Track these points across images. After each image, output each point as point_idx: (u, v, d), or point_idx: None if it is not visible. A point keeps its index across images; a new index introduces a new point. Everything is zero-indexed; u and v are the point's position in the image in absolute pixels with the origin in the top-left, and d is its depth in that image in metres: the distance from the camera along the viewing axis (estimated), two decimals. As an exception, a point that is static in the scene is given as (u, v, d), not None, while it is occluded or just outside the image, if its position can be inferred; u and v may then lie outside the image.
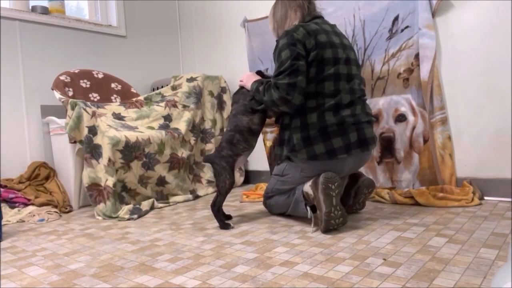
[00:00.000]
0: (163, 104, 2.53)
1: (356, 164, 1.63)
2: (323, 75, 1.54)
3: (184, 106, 2.60)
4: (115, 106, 2.40)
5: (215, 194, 1.70)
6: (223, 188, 1.66)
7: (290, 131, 1.59)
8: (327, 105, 1.53)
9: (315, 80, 1.54)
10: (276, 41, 1.63)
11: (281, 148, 1.65)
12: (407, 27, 2.06)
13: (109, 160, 2.05)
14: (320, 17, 1.70)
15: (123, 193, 2.15)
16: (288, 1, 1.71)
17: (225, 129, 2.81)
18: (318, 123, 1.52)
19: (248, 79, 1.75)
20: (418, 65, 2.02)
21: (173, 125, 2.50)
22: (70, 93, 2.42)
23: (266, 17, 2.65)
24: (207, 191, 2.54)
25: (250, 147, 1.74)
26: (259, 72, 1.85)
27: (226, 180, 1.66)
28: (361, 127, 1.56)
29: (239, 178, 2.78)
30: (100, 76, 2.63)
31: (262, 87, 1.63)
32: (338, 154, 1.52)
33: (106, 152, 2.06)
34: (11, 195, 2.16)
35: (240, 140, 1.70)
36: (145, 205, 2.11)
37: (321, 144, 1.52)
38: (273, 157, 1.78)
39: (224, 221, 1.66)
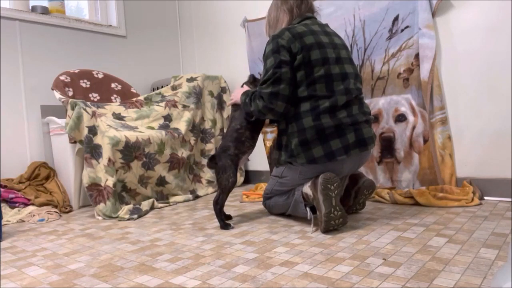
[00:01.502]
0: (163, 104, 2.53)
1: (355, 164, 1.62)
2: (313, 77, 1.53)
3: (184, 106, 2.60)
4: (115, 106, 2.40)
5: (216, 193, 1.70)
6: (226, 187, 1.66)
7: (287, 136, 1.58)
8: (321, 107, 1.51)
9: (305, 83, 1.53)
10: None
11: (279, 152, 1.65)
12: (407, 27, 2.06)
13: (109, 160, 2.05)
14: (311, 17, 1.69)
15: (123, 193, 2.15)
16: (280, 4, 1.72)
17: (225, 129, 2.82)
18: (315, 127, 1.51)
19: (237, 94, 1.78)
20: (418, 65, 2.02)
21: (173, 125, 2.50)
22: (70, 93, 2.42)
23: (266, 17, 2.66)
24: (207, 191, 2.54)
25: (254, 145, 1.75)
26: (252, 76, 1.86)
27: (229, 178, 1.66)
28: (359, 127, 1.55)
29: (239, 178, 2.78)
30: (100, 76, 2.63)
31: (248, 98, 1.66)
32: (337, 156, 1.51)
33: (106, 152, 2.06)
34: (11, 195, 2.16)
35: (248, 137, 1.71)
36: (145, 205, 2.11)
37: (319, 147, 1.51)
38: (273, 158, 1.78)
39: (224, 221, 1.66)
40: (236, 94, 1.81)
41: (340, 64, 1.58)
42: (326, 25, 1.70)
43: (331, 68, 1.55)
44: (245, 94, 1.71)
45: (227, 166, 1.67)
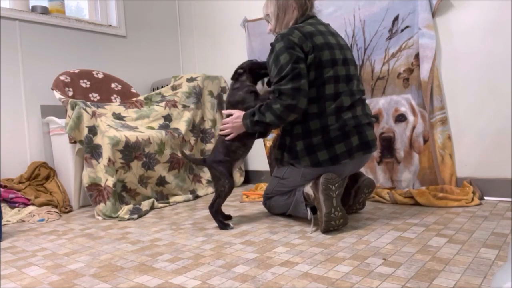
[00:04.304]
0: (163, 104, 2.53)
1: (357, 166, 1.62)
2: (323, 79, 1.51)
3: (184, 106, 2.60)
4: (115, 106, 2.40)
5: (214, 195, 1.70)
6: (222, 192, 1.66)
7: (292, 137, 1.57)
8: (328, 109, 1.51)
9: (315, 84, 1.51)
10: (271, 44, 1.57)
11: (281, 153, 1.64)
12: (407, 27, 2.06)
13: (109, 160, 2.05)
14: (314, 16, 1.66)
15: (123, 193, 2.14)
16: None
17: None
18: (321, 130, 1.50)
19: (236, 122, 1.62)
20: (418, 65, 2.02)
21: (173, 125, 2.50)
22: (70, 93, 2.42)
23: (266, 17, 2.65)
24: (207, 191, 2.54)
25: (248, 149, 1.72)
26: (254, 62, 1.75)
27: (225, 184, 1.65)
28: (363, 130, 1.54)
29: (239, 178, 2.78)
30: (100, 76, 2.63)
31: (257, 115, 1.54)
32: (341, 160, 1.51)
33: (106, 152, 2.06)
34: (11, 195, 2.16)
35: (239, 146, 1.68)
36: (145, 205, 2.11)
37: (324, 151, 1.51)
38: (273, 157, 1.77)
39: (223, 221, 1.66)
40: (232, 124, 1.63)
41: (346, 66, 1.57)
42: (328, 25, 1.68)
43: (339, 70, 1.53)
44: (248, 115, 1.58)
45: (220, 173, 1.66)
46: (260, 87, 1.93)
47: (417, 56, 2.02)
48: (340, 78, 1.54)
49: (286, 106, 1.48)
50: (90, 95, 2.52)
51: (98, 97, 2.55)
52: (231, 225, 1.65)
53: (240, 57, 2.91)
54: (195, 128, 2.62)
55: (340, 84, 1.53)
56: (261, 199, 2.13)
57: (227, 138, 1.66)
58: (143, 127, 2.36)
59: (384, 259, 1.16)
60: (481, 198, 1.89)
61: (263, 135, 1.68)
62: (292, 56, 1.48)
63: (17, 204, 2.15)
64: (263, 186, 2.53)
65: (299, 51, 1.49)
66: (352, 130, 1.52)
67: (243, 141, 1.68)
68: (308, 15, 1.65)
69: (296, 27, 1.55)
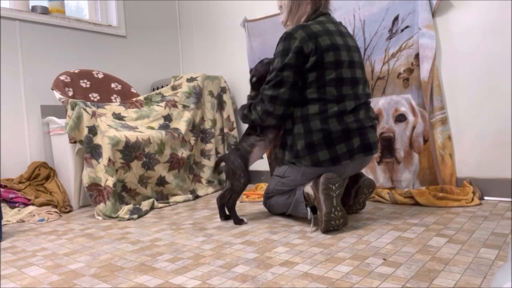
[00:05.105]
0: (163, 104, 2.53)
1: (357, 167, 1.62)
2: (324, 80, 1.51)
3: (184, 106, 2.60)
4: (115, 106, 2.40)
5: (215, 193, 1.71)
6: (237, 187, 1.67)
7: (293, 136, 1.57)
8: (330, 111, 1.50)
9: (315, 85, 1.51)
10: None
11: (282, 152, 1.64)
12: (407, 27, 2.06)
13: (109, 160, 2.05)
14: (326, 14, 1.64)
15: (123, 193, 2.14)
16: None
17: (225, 129, 2.82)
18: (322, 130, 1.50)
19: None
20: (418, 65, 2.02)
21: (173, 125, 2.50)
22: (70, 93, 2.42)
23: (266, 17, 2.65)
24: (207, 191, 2.54)
25: (265, 136, 1.70)
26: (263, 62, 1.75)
27: (241, 178, 1.67)
28: (365, 132, 1.54)
29: (239, 178, 2.78)
30: (100, 76, 2.63)
31: (246, 110, 1.70)
32: (342, 160, 1.51)
33: (106, 152, 2.06)
34: (11, 195, 2.16)
35: (253, 129, 1.71)
36: (145, 205, 2.11)
37: (325, 151, 1.51)
38: (273, 157, 1.77)
39: (238, 216, 1.69)
40: None
41: (352, 69, 1.55)
42: (340, 23, 1.65)
43: (343, 72, 1.52)
44: (242, 108, 1.75)
45: (237, 167, 1.67)
46: None
47: (417, 56, 2.02)
48: (345, 80, 1.53)
49: (264, 111, 1.59)
50: (90, 95, 2.52)
51: (98, 97, 2.55)
52: (245, 220, 1.68)
53: (240, 57, 2.92)
54: (195, 128, 2.62)
55: (344, 87, 1.52)
56: (261, 199, 2.13)
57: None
58: (143, 127, 2.36)
59: (384, 259, 1.16)
60: (481, 198, 1.89)
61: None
62: (282, 61, 1.52)
63: (17, 204, 2.15)
64: (263, 186, 2.53)
65: (291, 57, 1.50)
66: (354, 132, 1.52)
67: (261, 132, 1.70)
68: (320, 12, 1.64)
69: (302, 26, 1.54)
